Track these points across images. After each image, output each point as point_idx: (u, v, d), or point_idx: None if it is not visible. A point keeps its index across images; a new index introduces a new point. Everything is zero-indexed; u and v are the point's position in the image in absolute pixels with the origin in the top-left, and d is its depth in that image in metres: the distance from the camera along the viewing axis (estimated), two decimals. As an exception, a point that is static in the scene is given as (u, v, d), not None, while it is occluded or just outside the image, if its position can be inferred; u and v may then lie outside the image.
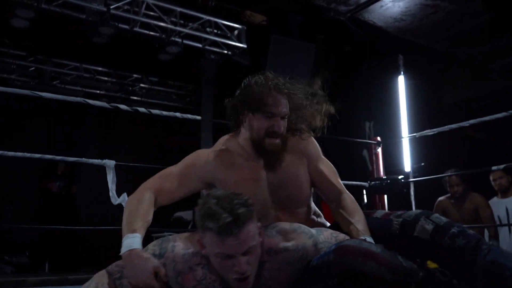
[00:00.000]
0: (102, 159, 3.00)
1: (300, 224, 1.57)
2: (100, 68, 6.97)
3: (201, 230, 1.41)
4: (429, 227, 1.52)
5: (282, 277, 1.48)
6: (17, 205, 6.28)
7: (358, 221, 1.63)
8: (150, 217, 1.59)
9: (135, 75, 7.27)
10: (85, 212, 6.46)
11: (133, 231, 1.49)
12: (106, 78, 7.12)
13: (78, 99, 3.00)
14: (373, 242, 1.52)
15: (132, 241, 1.47)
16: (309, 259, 1.50)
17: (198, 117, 3.41)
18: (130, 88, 7.31)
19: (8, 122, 6.35)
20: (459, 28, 5.16)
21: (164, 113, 3.21)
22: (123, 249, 1.46)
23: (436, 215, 1.58)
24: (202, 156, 1.72)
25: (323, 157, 1.85)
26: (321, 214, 1.88)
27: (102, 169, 3.05)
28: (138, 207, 1.58)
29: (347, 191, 1.77)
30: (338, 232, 1.61)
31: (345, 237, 1.58)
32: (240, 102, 1.68)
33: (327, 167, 1.81)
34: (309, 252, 1.50)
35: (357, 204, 1.72)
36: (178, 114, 3.24)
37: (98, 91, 7.07)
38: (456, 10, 4.72)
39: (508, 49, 5.62)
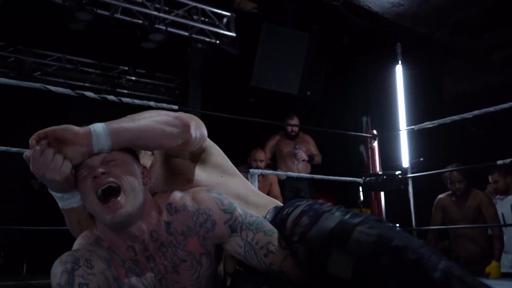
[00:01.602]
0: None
1: (224, 195, 1.24)
2: (84, 59, 6.65)
3: None
4: (347, 262, 0.98)
5: (190, 246, 1.16)
6: (-2, 202, 5.98)
7: None
8: None
9: (121, 67, 6.95)
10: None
11: None
12: (90, 70, 6.80)
13: (37, 85, 2.69)
14: (102, 130, 1.12)
15: None
16: (214, 236, 1.17)
17: (175, 107, 3.09)
18: (116, 81, 6.99)
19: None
20: (460, 15, 4.86)
21: (136, 101, 2.92)
22: None
23: (355, 218, 1.01)
24: None
25: None
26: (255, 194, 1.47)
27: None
28: None
29: None
30: (276, 241, 1.17)
31: (285, 259, 1.16)
32: None
33: None
34: (216, 223, 1.17)
35: None
36: (152, 103, 2.97)
37: (82, 84, 6.74)
38: (457, -6, 4.42)
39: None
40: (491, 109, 3.29)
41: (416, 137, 4.61)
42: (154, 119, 1.21)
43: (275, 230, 1.20)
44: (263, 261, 1.15)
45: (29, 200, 6.25)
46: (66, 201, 1.20)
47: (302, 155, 5.21)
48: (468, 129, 5.38)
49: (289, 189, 5.16)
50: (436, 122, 3.64)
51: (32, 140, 1.08)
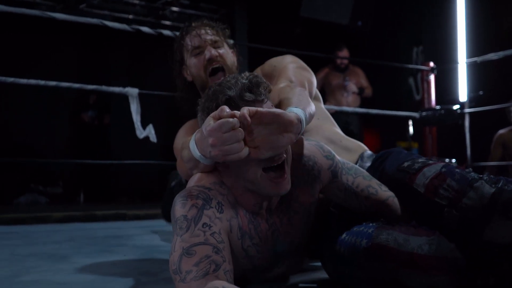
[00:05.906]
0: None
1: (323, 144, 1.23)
2: (128, -9, 6.55)
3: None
4: (510, 228, 0.95)
5: (302, 197, 1.16)
6: (50, 135, 6.20)
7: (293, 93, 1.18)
8: None
9: (165, -2, 6.82)
10: (118, 143, 6.33)
11: None
12: (135, 2, 6.71)
13: (95, 20, 2.67)
14: (304, 117, 1.02)
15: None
16: (320, 182, 1.17)
17: (230, 41, 3.01)
18: (160, 12, 6.89)
19: (35, 50, 6.13)
20: None
21: (178, 33, 2.86)
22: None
23: None
24: None
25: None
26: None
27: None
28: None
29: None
30: (376, 185, 1.19)
31: (387, 199, 1.18)
32: None
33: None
34: (322, 169, 1.16)
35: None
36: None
37: (127, 15, 6.68)
38: None
39: None
40: None
41: (475, 70, 4.39)
42: (306, 100, 1.14)
43: (372, 177, 1.22)
44: (363, 203, 1.19)
45: (79, 133, 6.45)
46: (198, 156, 1.08)
47: (352, 87, 5.09)
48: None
49: (338, 123, 5.10)
50: (501, 54, 3.44)
51: (230, 113, 0.94)
